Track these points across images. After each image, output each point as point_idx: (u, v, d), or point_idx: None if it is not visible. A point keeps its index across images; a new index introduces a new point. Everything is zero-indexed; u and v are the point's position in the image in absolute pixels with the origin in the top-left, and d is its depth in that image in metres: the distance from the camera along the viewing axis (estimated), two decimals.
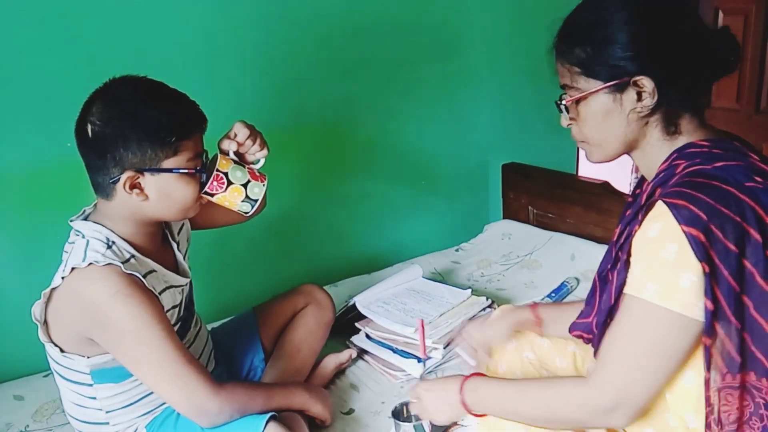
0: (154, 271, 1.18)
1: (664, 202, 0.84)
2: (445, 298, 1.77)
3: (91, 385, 1.17)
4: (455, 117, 2.39)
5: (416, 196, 2.38)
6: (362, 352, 1.67)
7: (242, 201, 1.23)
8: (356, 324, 1.71)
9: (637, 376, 0.88)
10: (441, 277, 2.11)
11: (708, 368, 0.85)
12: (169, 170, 1.11)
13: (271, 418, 1.18)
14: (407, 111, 2.27)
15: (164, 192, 1.12)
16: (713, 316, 0.83)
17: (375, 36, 2.12)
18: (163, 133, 1.08)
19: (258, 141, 1.25)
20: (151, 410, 1.23)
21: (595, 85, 0.93)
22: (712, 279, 0.82)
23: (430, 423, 1.25)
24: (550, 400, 0.96)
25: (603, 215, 2.14)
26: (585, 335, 1.06)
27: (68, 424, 1.44)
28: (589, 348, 1.18)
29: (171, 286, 1.23)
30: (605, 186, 2.17)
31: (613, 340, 0.91)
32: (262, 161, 1.28)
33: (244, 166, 1.23)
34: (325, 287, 1.77)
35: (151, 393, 1.21)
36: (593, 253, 2.07)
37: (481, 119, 2.46)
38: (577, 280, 1.98)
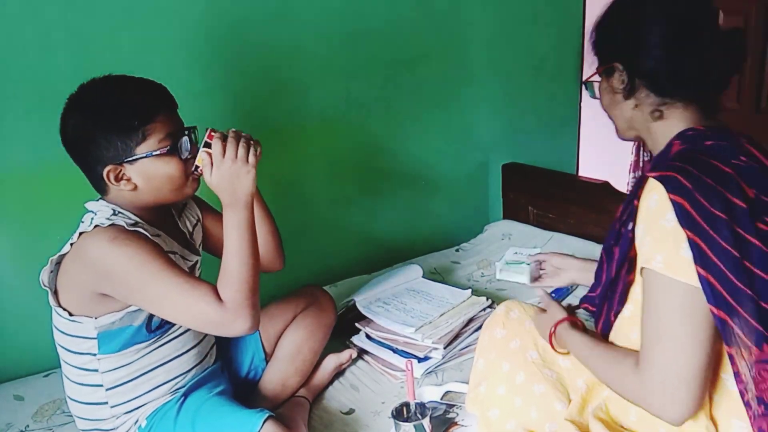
0: (159, 235, 1.24)
1: (657, 175, 0.90)
2: (445, 298, 1.77)
3: (95, 354, 1.20)
4: (455, 117, 2.39)
5: (416, 196, 2.37)
6: (362, 352, 1.67)
7: None
8: (356, 324, 1.71)
9: (675, 350, 0.87)
10: (441, 277, 2.11)
11: (729, 342, 0.85)
12: (143, 156, 1.16)
13: (269, 417, 1.19)
14: (407, 111, 2.27)
15: (148, 177, 1.19)
16: (718, 284, 0.84)
17: (375, 36, 2.12)
18: (125, 123, 1.15)
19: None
20: (151, 389, 1.25)
21: (598, 68, 1.08)
22: (705, 246, 0.85)
23: (430, 423, 1.25)
24: (612, 376, 1.00)
25: (603, 215, 2.14)
26: (590, 308, 1.14)
27: (68, 425, 1.45)
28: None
29: (176, 254, 1.28)
30: (605, 186, 2.16)
31: (646, 318, 0.92)
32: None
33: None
34: (325, 287, 1.77)
35: (151, 370, 1.25)
36: (593, 253, 2.07)
37: (481, 119, 2.46)
38: None
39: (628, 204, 1.01)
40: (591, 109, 2.73)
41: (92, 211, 1.21)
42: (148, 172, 1.18)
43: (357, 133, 2.19)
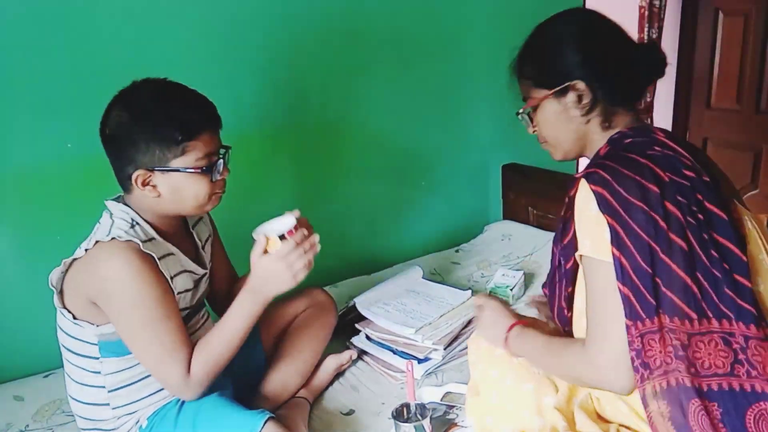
0: (172, 254, 1.25)
1: (583, 173, 1.02)
2: (445, 299, 1.77)
3: (97, 358, 1.21)
4: (455, 117, 2.39)
5: (416, 197, 2.37)
6: (362, 353, 1.67)
7: None
8: (356, 325, 1.71)
9: (610, 327, 0.96)
10: (441, 278, 2.11)
11: (627, 315, 0.94)
12: (177, 170, 1.18)
13: (269, 418, 1.19)
14: (407, 111, 2.26)
15: (174, 189, 1.20)
16: (627, 263, 0.94)
17: (375, 36, 2.12)
18: (168, 135, 1.16)
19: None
20: (152, 393, 1.26)
21: (544, 93, 1.13)
22: (620, 230, 0.95)
23: (430, 423, 1.26)
24: (564, 366, 1.07)
25: None
26: (546, 291, 1.23)
27: (68, 425, 1.44)
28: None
29: (186, 271, 1.28)
30: None
31: (587, 302, 1.01)
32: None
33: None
34: (325, 288, 1.77)
35: None
36: None
37: (481, 119, 2.46)
38: None
39: (566, 203, 1.11)
40: None
41: (110, 212, 1.22)
42: (176, 185, 1.19)
43: (356, 133, 2.19)
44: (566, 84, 1.10)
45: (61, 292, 1.21)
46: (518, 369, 1.23)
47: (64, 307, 1.20)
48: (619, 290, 0.94)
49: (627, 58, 1.09)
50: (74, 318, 1.20)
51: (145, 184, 1.18)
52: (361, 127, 2.19)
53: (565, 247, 1.10)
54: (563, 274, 1.12)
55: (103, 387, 1.23)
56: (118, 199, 1.25)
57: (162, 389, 1.27)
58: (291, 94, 1.99)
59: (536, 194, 2.40)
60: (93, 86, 1.66)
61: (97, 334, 1.19)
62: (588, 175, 1.00)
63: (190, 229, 1.38)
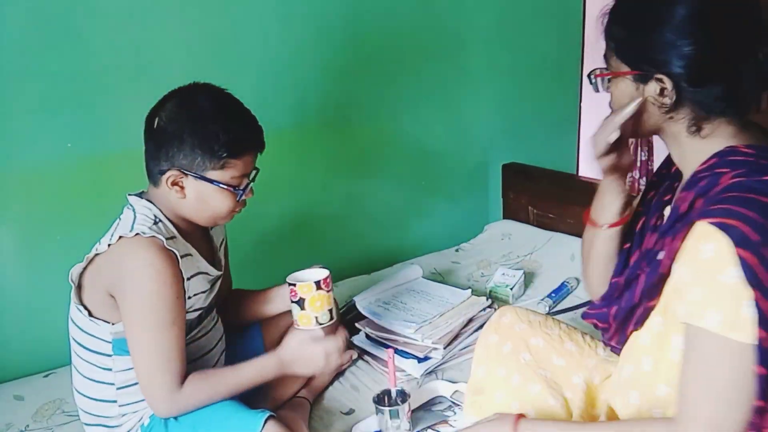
0: (190, 255, 1.26)
1: (714, 221, 0.80)
2: (445, 298, 1.77)
3: (109, 355, 1.22)
4: (455, 117, 2.39)
5: (416, 196, 2.37)
6: (362, 353, 1.66)
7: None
8: (356, 324, 1.71)
9: (726, 409, 0.83)
10: (441, 278, 2.11)
11: (763, 397, 0.82)
12: (210, 181, 1.20)
13: (270, 417, 1.19)
14: (407, 111, 2.26)
15: (200, 197, 1.22)
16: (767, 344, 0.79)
17: (375, 36, 2.12)
18: (216, 147, 1.18)
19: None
20: None
21: (622, 68, 0.92)
22: (765, 305, 0.78)
23: (410, 410, 1.32)
24: None
25: None
26: (600, 324, 1.09)
27: (68, 424, 1.44)
28: (587, 347, 1.24)
29: (202, 273, 1.29)
30: None
31: (692, 377, 0.86)
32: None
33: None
34: None
35: None
36: None
37: (481, 119, 2.46)
38: (577, 280, 1.98)
39: (662, 236, 0.93)
40: (591, 109, 2.73)
41: (132, 208, 1.22)
42: (204, 194, 1.21)
43: (356, 133, 2.19)
44: (652, 72, 0.88)
45: (79, 287, 1.21)
46: (525, 370, 1.21)
47: (81, 303, 1.21)
48: (757, 373, 0.80)
49: (742, 60, 0.85)
50: (90, 315, 1.20)
51: (174, 183, 1.19)
52: (361, 127, 2.19)
53: (651, 288, 0.95)
54: (641, 311, 0.99)
55: (113, 384, 1.23)
56: (140, 195, 1.25)
57: None
58: (291, 95, 1.99)
59: (536, 194, 2.40)
60: (93, 86, 1.67)
61: (113, 332, 1.20)
62: (727, 230, 0.79)
63: (209, 231, 1.39)
